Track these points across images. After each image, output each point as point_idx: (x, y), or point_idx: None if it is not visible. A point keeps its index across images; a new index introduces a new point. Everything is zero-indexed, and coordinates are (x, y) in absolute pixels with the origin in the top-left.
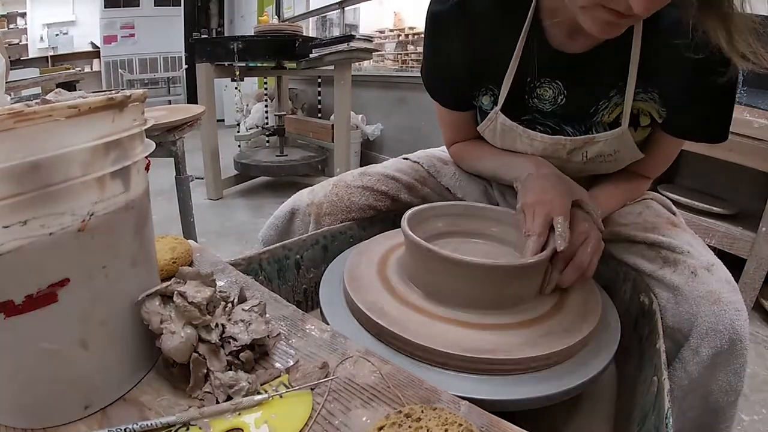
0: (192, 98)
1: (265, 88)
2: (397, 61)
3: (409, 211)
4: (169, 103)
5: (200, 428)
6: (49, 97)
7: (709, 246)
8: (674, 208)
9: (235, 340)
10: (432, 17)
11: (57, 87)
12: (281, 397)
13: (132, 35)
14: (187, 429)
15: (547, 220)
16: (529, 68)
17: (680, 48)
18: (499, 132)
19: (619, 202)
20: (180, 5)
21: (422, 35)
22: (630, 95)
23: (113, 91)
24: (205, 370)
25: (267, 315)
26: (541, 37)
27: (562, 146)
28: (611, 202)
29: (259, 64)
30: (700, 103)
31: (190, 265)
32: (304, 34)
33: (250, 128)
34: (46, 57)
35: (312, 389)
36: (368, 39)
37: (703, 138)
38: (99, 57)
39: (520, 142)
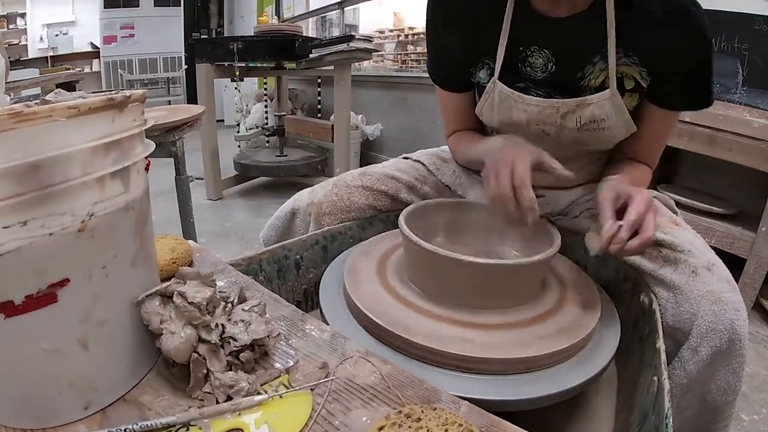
0: (192, 98)
1: (265, 89)
2: (397, 61)
3: (407, 210)
4: (169, 103)
5: (200, 428)
6: (48, 97)
7: (708, 246)
8: (676, 207)
9: (235, 340)
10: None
11: (57, 87)
12: (281, 397)
13: (132, 35)
14: (187, 429)
15: (510, 176)
16: (518, 36)
17: (652, 10)
18: (497, 103)
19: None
20: (180, 5)
21: (422, 35)
22: (612, 58)
23: (113, 92)
24: (205, 371)
25: (267, 315)
26: (527, 4)
27: (555, 109)
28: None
29: (258, 65)
30: (678, 69)
31: (189, 266)
32: (304, 34)
33: (250, 128)
34: (46, 57)
35: (312, 389)
36: (368, 39)
37: (687, 105)
38: (99, 57)
39: (516, 111)
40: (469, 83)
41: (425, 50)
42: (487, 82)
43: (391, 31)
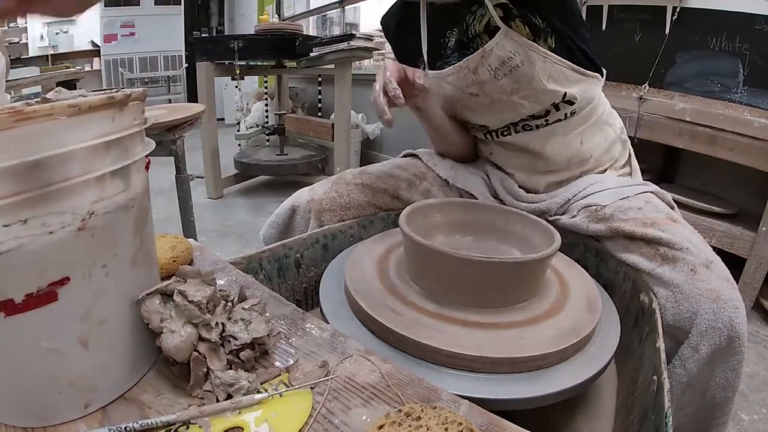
0: (192, 97)
1: (266, 87)
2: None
3: (407, 208)
4: (169, 101)
5: (200, 427)
6: (49, 95)
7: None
8: (673, 202)
9: (235, 338)
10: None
11: (57, 86)
12: (281, 395)
13: (132, 34)
14: (188, 428)
15: (383, 77)
16: (436, 28)
17: None
18: (436, 90)
19: None
20: (180, 4)
21: None
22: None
23: (113, 90)
24: (205, 369)
25: (267, 314)
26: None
27: (466, 69)
28: None
29: (259, 63)
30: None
31: (190, 264)
32: (305, 33)
33: (250, 127)
34: (47, 56)
35: (312, 388)
36: (368, 38)
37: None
38: (99, 56)
39: (444, 87)
40: None
41: None
42: None
43: None
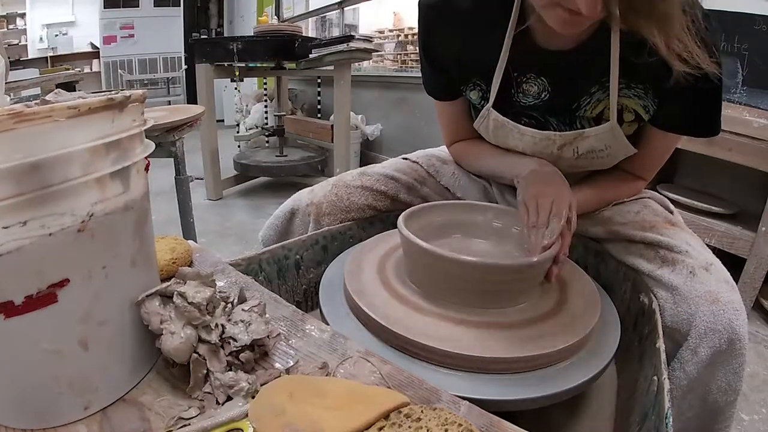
0: (191, 99)
1: (265, 89)
2: (397, 61)
3: (406, 211)
4: (169, 103)
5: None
6: (48, 97)
7: (708, 246)
8: (672, 206)
9: (235, 340)
10: (422, 10)
11: (56, 87)
12: None
13: (131, 36)
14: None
15: (550, 210)
16: (515, 64)
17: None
18: (492, 128)
19: (594, 206)
20: (179, 6)
21: None
22: (614, 90)
23: (113, 92)
24: (205, 371)
25: (267, 315)
26: (527, 34)
27: (552, 141)
28: (587, 206)
29: (258, 65)
30: (685, 96)
31: (189, 266)
32: (304, 34)
33: (250, 128)
34: (46, 57)
35: None
36: (368, 39)
37: (693, 132)
38: (98, 57)
39: (512, 138)
40: (456, 93)
41: None
42: (479, 104)
43: (390, 31)
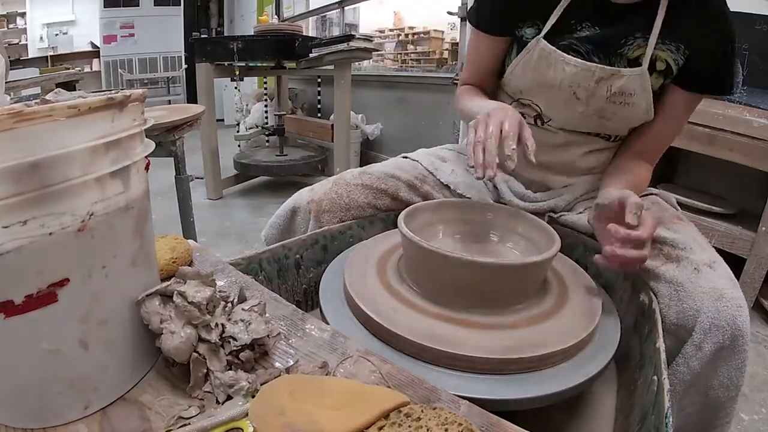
0: (192, 98)
1: (265, 88)
2: (397, 60)
3: (407, 210)
4: (169, 102)
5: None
6: (48, 97)
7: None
8: (677, 204)
9: (235, 339)
10: None
11: (57, 87)
12: None
13: (132, 35)
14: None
15: (500, 129)
16: (574, 10)
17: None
18: (535, 60)
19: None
20: (180, 5)
21: (421, 35)
22: (653, 42)
23: (113, 91)
24: (205, 370)
25: (267, 315)
26: None
27: (591, 73)
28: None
29: (258, 64)
30: (709, 55)
31: (189, 265)
32: (304, 33)
33: (250, 128)
34: (46, 57)
35: None
36: (368, 38)
37: (712, 88)
38: (99, 57)
39: (553, 70)
40: (506, 30)
41: (425, 50)
42: (530, 39)
43: (391, 30)
